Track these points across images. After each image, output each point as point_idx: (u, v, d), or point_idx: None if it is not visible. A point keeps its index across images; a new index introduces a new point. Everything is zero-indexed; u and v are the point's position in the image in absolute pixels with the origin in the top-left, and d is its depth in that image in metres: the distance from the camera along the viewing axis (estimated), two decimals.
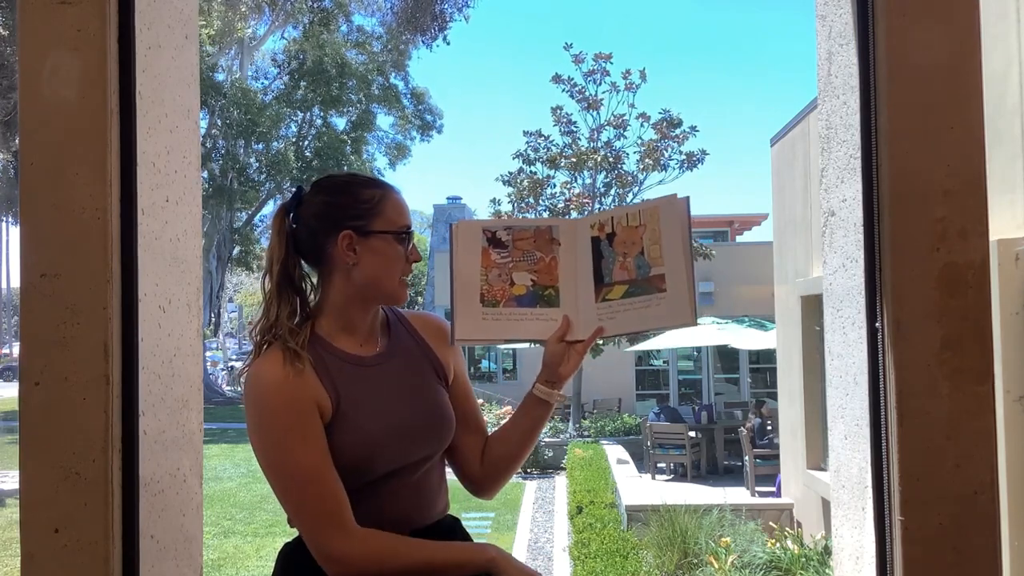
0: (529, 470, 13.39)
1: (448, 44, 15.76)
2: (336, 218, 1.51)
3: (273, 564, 1.56)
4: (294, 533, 1.56)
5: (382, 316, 1.62)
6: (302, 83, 26.29)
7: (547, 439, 14.32)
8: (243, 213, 27.01)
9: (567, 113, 17.05)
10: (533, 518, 10.29)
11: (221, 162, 24.51)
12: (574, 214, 16.79)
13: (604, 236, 1.57)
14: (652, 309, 1.53)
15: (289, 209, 1.55)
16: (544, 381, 1.59)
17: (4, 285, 43.41)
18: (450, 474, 1.65)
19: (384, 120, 29.65)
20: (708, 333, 14.38)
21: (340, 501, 1.42)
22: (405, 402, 1.53)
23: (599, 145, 16.89)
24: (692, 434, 12.15)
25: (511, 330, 1.58)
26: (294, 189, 1.59)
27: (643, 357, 20.63)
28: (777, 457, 9.96)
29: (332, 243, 1.50)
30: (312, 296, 1.57)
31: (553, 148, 17.07)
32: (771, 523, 8.29)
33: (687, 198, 1.52)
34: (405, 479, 1.51)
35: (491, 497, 1.69)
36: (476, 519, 9.76)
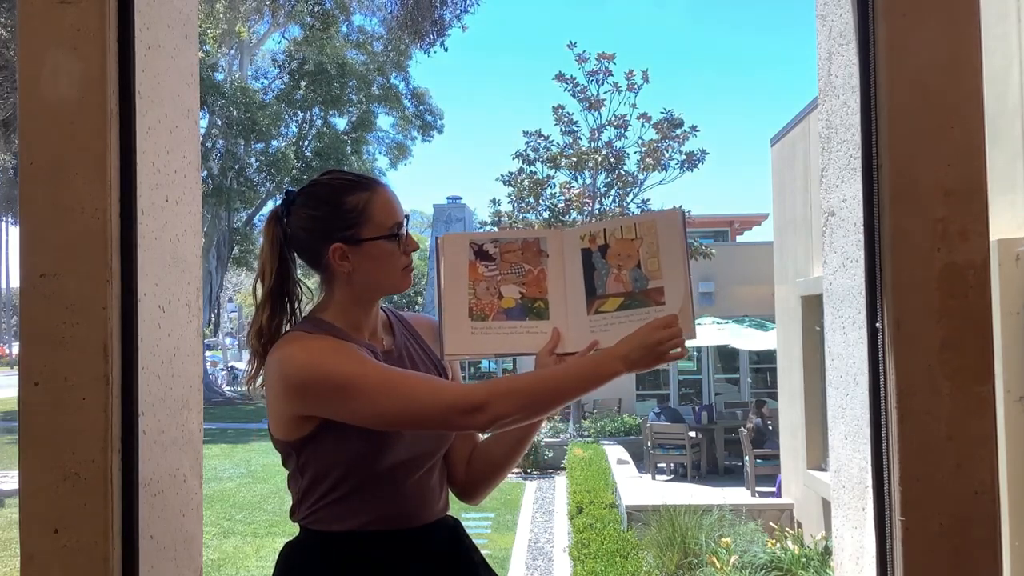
0: (529, 470, 13.39)
1: (447, 51, 15.67)
2: (325, 231, 1.49)
3: (273, 564, 1.56)
4: (294, 533, 1.55)
5: (383, 317, 1.62)
6: (302, 83, 26.27)
7: (547, 439, 14.31)
8: (243, 213, 26.98)
9: (568, 112, 17.05)
10: (533, 518, 10.27)
11: (221, 162, 24.50)
12: (574, 214, 16.78)
13: (596, 248, 1.54)
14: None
15: (280, 216, 1.53)
16: None
17: (4, 285, 43.39)
18: None
19: (385, 120, 29.69)
20: (708, 333, 14.35)
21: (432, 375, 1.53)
22: None
23: (600, 145, 16.87)
24: (692, 434, 12.13)
25: (501, 344, 1.54)
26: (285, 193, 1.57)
27: None
28: (777, 457, 9.95)
29: (325, 255, 1.50)
30: (311, 295, 1.58)
31: (553, 148, 17.05)
32: (771, 523, 8.28)
33: (683, 211, 1.53)
34: (409, 475, 1.51)
35: (476, 503, 1.68)
36: (476, 519, 9.76)
